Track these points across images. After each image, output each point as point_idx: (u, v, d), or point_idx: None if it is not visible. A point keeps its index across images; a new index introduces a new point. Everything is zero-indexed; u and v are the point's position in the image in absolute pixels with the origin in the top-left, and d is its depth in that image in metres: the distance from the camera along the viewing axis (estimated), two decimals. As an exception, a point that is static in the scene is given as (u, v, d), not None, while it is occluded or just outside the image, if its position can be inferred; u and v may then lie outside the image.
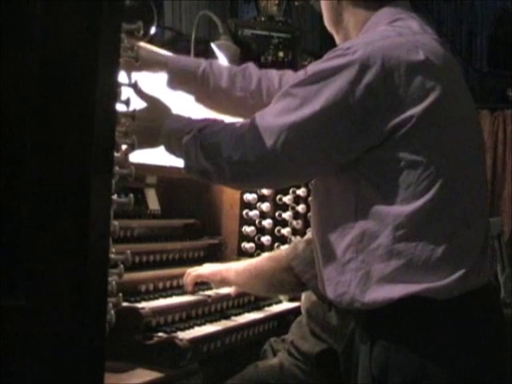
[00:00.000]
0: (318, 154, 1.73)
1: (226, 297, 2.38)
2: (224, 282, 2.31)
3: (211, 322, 2.21)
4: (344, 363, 1.85)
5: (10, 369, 1.18)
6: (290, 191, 2.83)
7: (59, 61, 1.20)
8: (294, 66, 3.32)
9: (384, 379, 1.68)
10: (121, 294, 1.53)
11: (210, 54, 2.89)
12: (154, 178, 2.62)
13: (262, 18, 3.50)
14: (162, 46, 2.69)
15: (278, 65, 3.27)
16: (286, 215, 2.82)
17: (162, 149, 1.90)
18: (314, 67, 1.77)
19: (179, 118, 1.90)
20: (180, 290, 2.31)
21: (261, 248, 2.75)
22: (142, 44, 2.07)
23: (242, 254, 2.73)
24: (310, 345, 2.14)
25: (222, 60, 2.84)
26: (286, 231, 2.81)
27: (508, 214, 5.73)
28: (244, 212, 2.76)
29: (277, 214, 2.81)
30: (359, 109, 1.67)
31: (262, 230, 2.78)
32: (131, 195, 1.62)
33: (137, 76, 1.87)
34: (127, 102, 1.63)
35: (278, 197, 2.81)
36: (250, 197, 2.76)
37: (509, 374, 1.75)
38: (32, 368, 1.19)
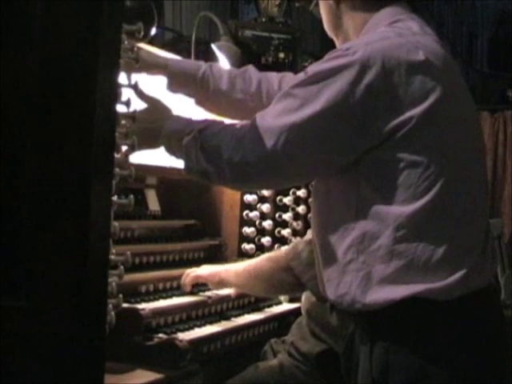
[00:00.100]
0: (319, 154, 1.73)
1: (226, 298, 2.37)
2: (223, 284, 2.30)
3: (211, 323, 2.21)
4: (344, 364, 1.85)
5: (9, 369, 1.18)
6: (291, 192, 2.83)
7: (59, 61, 1.20)
8: (295, 67, 3.31)
9: (384, 380, 1.68)
10: (121, 295, 1.53)
11: (210, 55, 2.89)
12: (154, 179, 2.62)
13: (263, 19, 3.49)
14: (162, 46, 2.70)
15: (278, 66, 3.26)
16: (287, 216, 2.82)
17: (162, 150, 1.90)
18: (314, 68, 1.76)
19: (179, 119, 1.90)
20: (180, 291, 2.31)
21: (261, 249, 2.74)
22: (143, 45, 2.07)
23: (242, 255, 2.72)
24: (310, 345, 2.14)
25: (223, 61, 2.84)
26: (286, 232, 2.81)
27: (508, 215, 5.71)
28: (244, 213, 2.76)
29: (277, 215, 2.80)
30: (359, 109, 1.67)
31: (262, 231, 2.78)
32: (131, 196, 1.61)
33: (137, 77, 1.87)
34: (127, 103, 1.63)
35: (279, 198, 2.81)
36: (250, 198, 2.76)
37: (509, 375, 1.75)
38: (32, 368, 1.19)
